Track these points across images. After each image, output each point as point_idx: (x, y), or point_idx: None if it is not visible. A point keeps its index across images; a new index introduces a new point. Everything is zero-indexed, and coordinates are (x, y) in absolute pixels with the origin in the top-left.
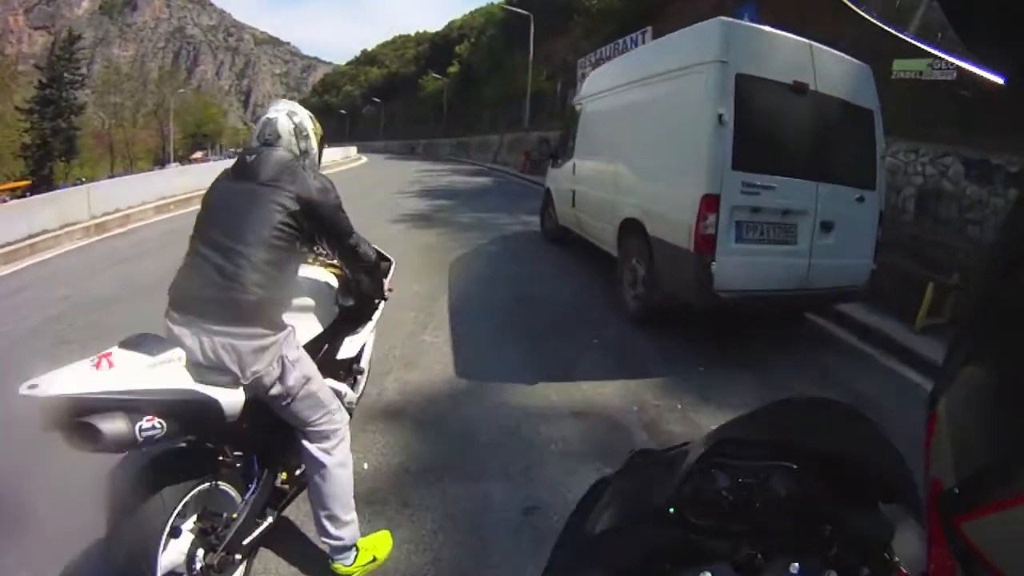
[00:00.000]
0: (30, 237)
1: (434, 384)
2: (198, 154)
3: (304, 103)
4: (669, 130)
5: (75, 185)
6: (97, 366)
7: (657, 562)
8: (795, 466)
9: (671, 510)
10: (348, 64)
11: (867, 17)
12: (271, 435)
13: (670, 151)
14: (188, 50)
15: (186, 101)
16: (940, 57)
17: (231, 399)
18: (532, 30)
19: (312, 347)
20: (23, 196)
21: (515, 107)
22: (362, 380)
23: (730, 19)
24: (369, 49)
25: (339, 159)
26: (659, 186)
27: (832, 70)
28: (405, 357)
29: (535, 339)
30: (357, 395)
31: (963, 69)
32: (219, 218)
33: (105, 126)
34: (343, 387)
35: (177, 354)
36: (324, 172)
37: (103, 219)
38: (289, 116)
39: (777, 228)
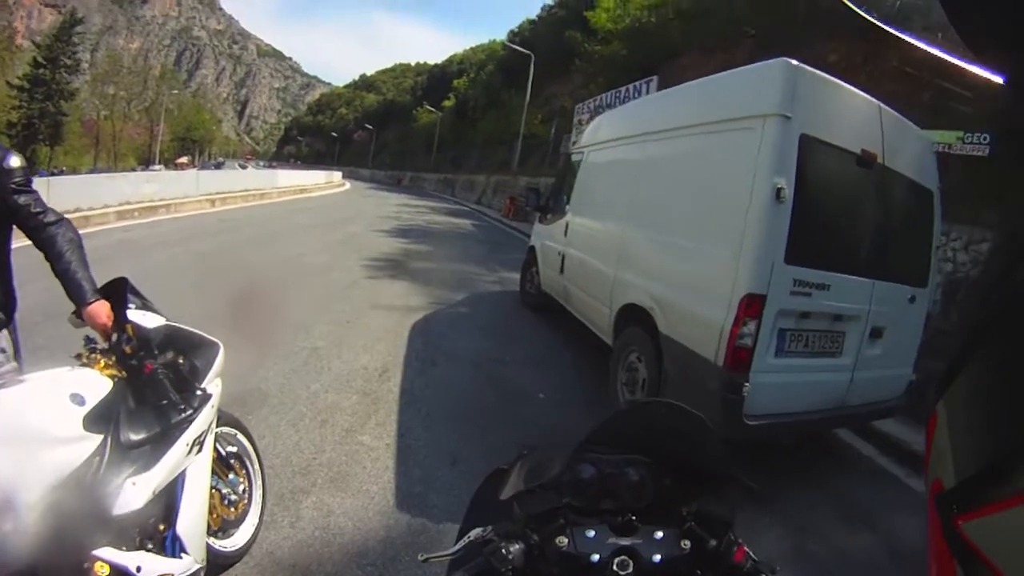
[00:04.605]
0: None
1: (367, 519)
2: (183, 159)
3: (298, 121)
4: (701, 199)
5: (54, 174)
6: None
7: (556, 516)
8: (647, 459)
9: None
10: (346, 87)
11: (867, 18)
12: None
13: (700, 226)
14: (192, 51)
15: (182, 103)
16: (941, 57)
17: None
18: (532, 69)
19: (63, 496)
20: None
21: (506, 149)
22: (192, 541)
23: (796, 62)
24: (368, 74)
25: (322, 182)
26: (679, 270)
27: (899, 139)
28: (335, 467)
29: (499, 453)
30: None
31: (996, 143)
32: None
33: (100, 116)
34: (134, 559)
35: None
36: (303, 196)
37: None
38: None
39: (824, 337)
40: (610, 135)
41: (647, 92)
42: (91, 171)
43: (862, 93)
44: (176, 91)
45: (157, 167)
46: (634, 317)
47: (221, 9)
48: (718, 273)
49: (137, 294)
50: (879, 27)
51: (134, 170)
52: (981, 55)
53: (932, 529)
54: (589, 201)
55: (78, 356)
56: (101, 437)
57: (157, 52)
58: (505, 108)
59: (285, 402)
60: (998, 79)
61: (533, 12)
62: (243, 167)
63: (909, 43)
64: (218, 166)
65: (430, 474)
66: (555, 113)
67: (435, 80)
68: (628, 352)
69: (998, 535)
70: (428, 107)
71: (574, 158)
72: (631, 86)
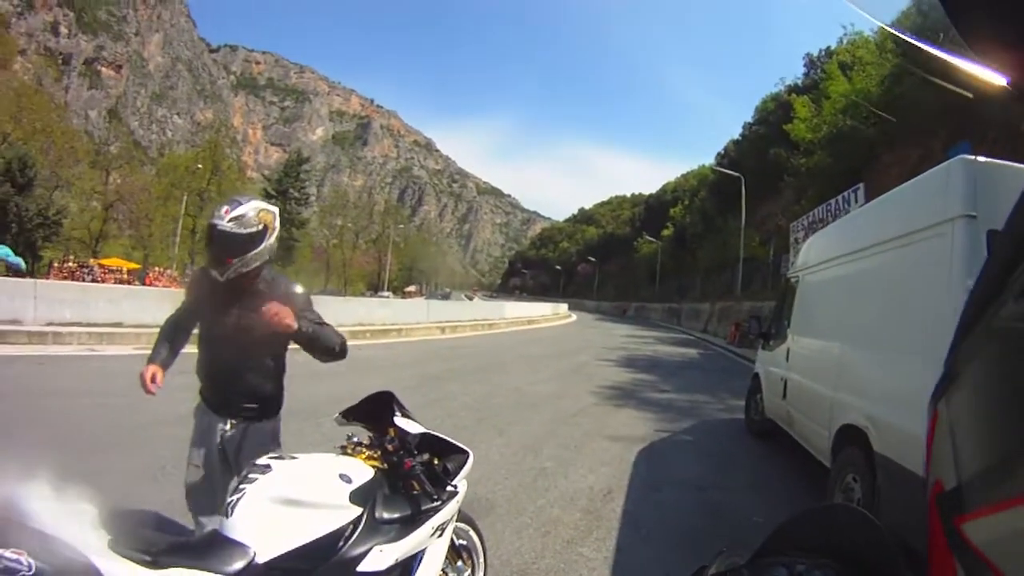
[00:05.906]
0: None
1: None
2: (411, 288)
3: (521, 255)
4: (904, 312)
5: None
6: None
7: None
8: (834, 563)
9: None
10: (566, 221)
11: (869, 18)
12: None
13: (904, 339)
14: (413, 189)
15: (407, 236)
16: (942, 57)
17: None
18: (743, 192)
19: (315, 547)
20: None
21: (727, 273)
22: None
23: (974, 157)
24: (586, 208)
25: (548, 314)
26: (888, 386)
27: None
28: (552, 573)
29: None
30: None
31: None
32: None
33: (329, 244)
34: None
35: None
36: (530, 327)
37: None
38: None
39: None
40: (819, 257)
41: (856, 202)
42: (321, 292)
43: None
44: (402, 225)
45: (386, 294)
46: (851, 438)
47: (438, 151)
48: (923, 385)
49: (400, 405)
50: (879, 27)
51: (364, 295)
52: (983, 56)
53: (933, 529)
54: (807, 324)
55: (342, 448)
56: (360, 510)
57: (380, 189)
58: (722, 233)
59: (511, 512)
60: (1000, 80)
61: (735, 132)
62: (469, 298)
63: None
64: (445, 296)
65: None
66: (771, 233)
67: (651, 210)
68: (845, 473)
69: (998, 535)
70: (648, 237)
71: (792, 281)
72: (840, 197)
